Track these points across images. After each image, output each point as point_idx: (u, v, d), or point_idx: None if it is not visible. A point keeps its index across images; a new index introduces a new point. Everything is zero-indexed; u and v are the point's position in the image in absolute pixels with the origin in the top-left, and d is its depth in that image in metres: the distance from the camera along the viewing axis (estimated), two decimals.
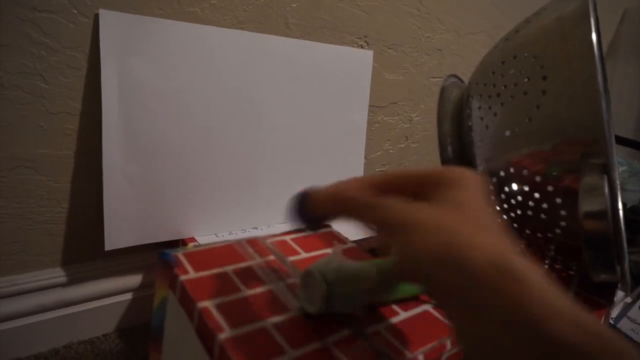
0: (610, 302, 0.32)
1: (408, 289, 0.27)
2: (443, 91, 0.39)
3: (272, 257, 0.28)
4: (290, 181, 0.60)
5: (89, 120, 0.44)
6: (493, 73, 0.33)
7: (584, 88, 0.27)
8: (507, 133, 0.31)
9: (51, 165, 0.44)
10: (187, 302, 0.23)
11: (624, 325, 0.62)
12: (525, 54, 0.31)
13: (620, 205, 0.42)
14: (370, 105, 0.69)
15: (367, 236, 0.57)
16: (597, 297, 0.33)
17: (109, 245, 0.46)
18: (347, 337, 0.23)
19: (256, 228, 0.58)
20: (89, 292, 0.50)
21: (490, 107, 0.33)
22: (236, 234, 0.56)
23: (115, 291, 0.52)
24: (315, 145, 0.62)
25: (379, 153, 0.74)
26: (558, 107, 0.28)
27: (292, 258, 0.29)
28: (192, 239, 0.52)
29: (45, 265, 0.47)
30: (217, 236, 0.54)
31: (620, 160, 1.03)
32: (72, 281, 0.49)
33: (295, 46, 0.56)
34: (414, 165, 0.82)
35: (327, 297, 0.23)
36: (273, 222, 0.59)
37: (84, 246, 0.48)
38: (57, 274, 0.48)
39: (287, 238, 0.31)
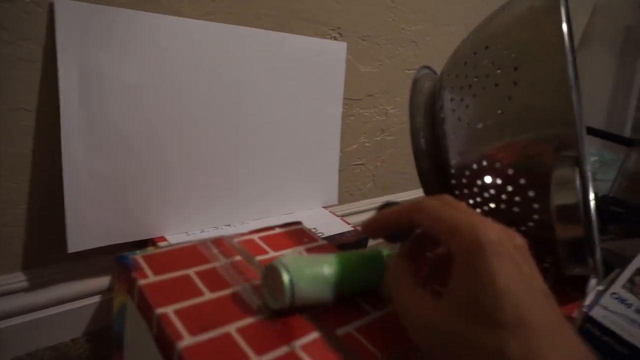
0: (582, 294, 0.32)
1: (373, 279, 0.26)
2: (415, 83, 0.38)
3: (238, 258, 0.27)
4: (264, 176, 0.59)
5: (47, 116, 0.42)
6: (465, 64, 0.33)
7: (555, 80, 0.26)
8: (479, 125, 0.31)
9: (7, 164, 0.42)
10: (145, 308, 0.22)
11: (597, 312, 0.63)
12: (497, 45, 0.30)
13: (592, 197, 0.42)
14: (345, 98, 0.68)
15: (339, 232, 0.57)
16: (570, 288, 0.33)
17: (72, 247, 0.44)
18: (315, 340, 0.22)
19: (229, 225, 0.56)
20: (54, 296, 0.48)
21: (462, 99, 0.32)
22: (208, 231, 0.54)
23: (82, 294, 0.50)
24: (289, 139, 0.60)
25: (354, 146, 0.74)
26: (529, 98, 0.28)
27: (259, 257, 0.28)
28: (162, 238, 0.50)
29: (5, 270, 0.45)
30: (188, 235, 0.52)
31: (591, 150, 1.05)
32: (35, 286, 0.46)
33: (267, 38, 0.55)
34: (390, 158, 0.81)
35: (290, 289, 0.22)
36: (247, 218, 0.58)
37: (47, 249, 0.46)
38: (19, 279, 0.45)
39: (255, 237, 0.30)
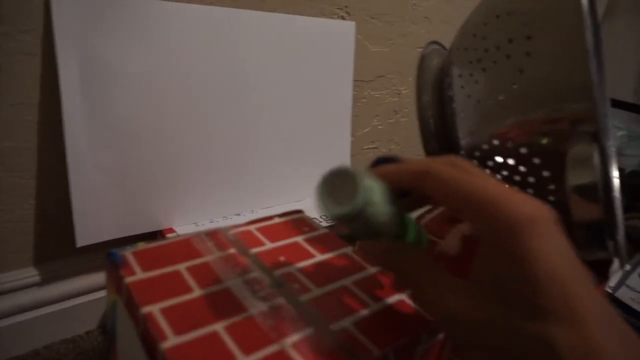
0: (605, 278, 0.29)
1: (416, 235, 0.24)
2: (423, 59, 0.35)
3: (233, 250, 0.26)
4: (273, 164, 0.57)
5: (50, 110, 0.42)
6: (474, 36, 0.30)
7: (572, 47, 0.24)
8: (490, 102, 0.28)
9: (13, 160, 0.41)
10: (132, 306, 0.21)
11: (623, 293, 0.60)
12: (509, 13, 0.28)
13: (616, 175, 0.39)
14: (355, 80, 0.65)
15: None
16: (591, 272, 0.30)
17: (80, 242, 0.44)
18: (308, 336, 0.21)
19: (239, 214, 0.55)
20: (67, 289, 0.48)
21: (471, 74, 0.30)
22: (218, 221, 0.53)
23: (96, 287, 0.50)
24: (298, 124, 0.59)
25: (367, 130, 0.71)
26: (543, 69, 0.25)
27: (255, 250, 0.27)
28: (171, 230, 0.50)
29: (17, 266, 0.45)
30: (197, 225, 0.52)
31: (619, 124, 1.00)
32: (47, 280, 0.47)
33: (271, 20, 0.53)
34: (403, 141, 0.79)
35: (363, 199, 0.19)
36: (257, 207, 0.57)
37: (57, 243, 0.46)
38: (31, 274, 0.46)
39: (252, 228, 0.29)
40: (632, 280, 0.62)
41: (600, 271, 0.31)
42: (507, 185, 0.18)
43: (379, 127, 0.73)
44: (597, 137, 0.23)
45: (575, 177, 0.23)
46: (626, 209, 1.13)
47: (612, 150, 0.42)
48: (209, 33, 0.48)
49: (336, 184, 0.20)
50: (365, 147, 0.73)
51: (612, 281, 0.64)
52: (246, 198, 0.56)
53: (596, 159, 0.22)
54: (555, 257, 0.17)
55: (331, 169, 0.21)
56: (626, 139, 1.02)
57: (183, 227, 0.51)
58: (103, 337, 0.50)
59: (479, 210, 0.18)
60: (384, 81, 0.70)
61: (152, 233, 0.50)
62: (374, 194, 0.20)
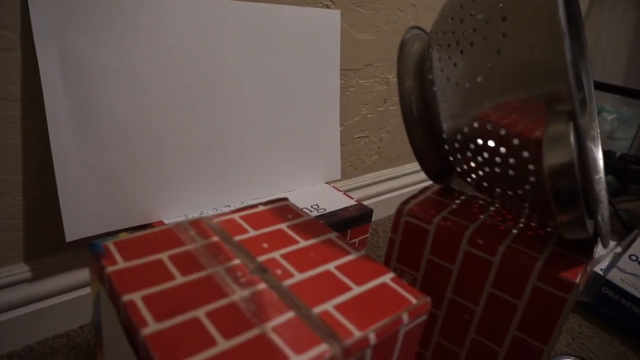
0: (588, 258, 0.30)
1: None
2: (403, 45, 0.35)
3: (215, 239, 0.26)
4: (262, 154, 0.57)
5: (33, 105, 0.41)
6: (452, 19, 0.30)
7: (545, 26, 0.24)
8: (468, 84, 0.28)
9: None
10: (114, 295, 0.21)
11: (614, 275, 0.60)
12: None
13: (600, 157, 0.40)
14: (342, 69, 0.65)
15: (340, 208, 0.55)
16: (575, 253, 0.31)
17: (70, 236, 0.44)
18: (290, 320, 0.21)
19: (229, 206, 0.55)
20: (59, 284, 0.48)
21: (450, 57, 0.30)
22: (208, 213, 0.53)
23: (88, 282, 0.50)
24: (286, 115, 0.59)
25: (356, 119, 0.71)
26: (519, 50, 0.26)
27: (238, 237, 0.27)
28: (161, 223, 0.50)
29: (8, 262, 0.45)
30: (187, 218, 0.52)
31: (608, 108, 1.01)
32: (39, 275, 0.47)
33: (254, 10, 0.53)
34: (394, 129, 0.79)
35: None
36: (247, 198, 0.57)
37: (48, 239, 0.46)
38: (22, 270, 0.46)
39: (236, 216, 0.29)
40: (623, 262, 0.63)
41: (585, 251, 0.31)
42: None
43: (369, 115, 0.73)
44: (572, 116, 0.23)
45: (551, 156, 0.23)
46: (618, 192, 1.13)
47: (596, 131, 0.42)
48: (192, 25, 0.48)
49: None
50: (355, 136, 0.73)
51: (604, 263, 0.65)
52: (236, 190, 0.56)
53: (572, 137, 0.23)
54: None
55: None
56: (616, 122, 1.02)
57: (173, 219, 0.51)
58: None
59: None
60: (372, 69, 0.70)
61: (143, 226, 0.50)
62: None
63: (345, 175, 0.75)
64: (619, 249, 0.67)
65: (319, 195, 0.61)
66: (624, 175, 0.94)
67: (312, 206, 0.57)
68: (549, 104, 0.24)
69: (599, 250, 0.73)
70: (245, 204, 0.57)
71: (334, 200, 0.59)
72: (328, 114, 0.64)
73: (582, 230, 0.25)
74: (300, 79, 0.59)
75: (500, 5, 0.26)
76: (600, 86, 1.02)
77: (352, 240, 0.57)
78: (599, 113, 1.03)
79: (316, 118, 0.62)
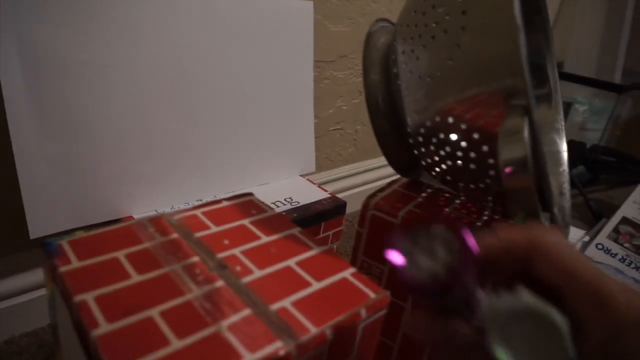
0: None
1: None
2: (369, 37, 0.35)
3: (175, 236, 0.26)
4: (235, 148, 0.57)
5: None
6: (415, 12, 0.30)
7: (501, 21, 0.24)
8: (429, 78, 0.29)
9: None
10: (66, 296, 0.21)
11: None
12: None
13: (563, 148, 0.41)
14: (316, 61, 0.65)
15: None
16: None
17: (34, 233, 0.43)
18: (246, 317, 0.21)
19: (201, 200, 0.55)
20: (25, 282, 0.47)
21: (412, 51, 0.30)
22: (179, 207, 0.53)
23: None
24: (259, 107, 0.58)
25: (331, 111, 0.71)
26: (478, 44, 0.26)
27: (199, 234, 0.26)
28: (130, 218, 0.49)
29: None
30: (157, 212, 0.51)
31: (581, 99, 1.02)
32: (4, 273, 0.46)
33: (223, 2, 0.52)
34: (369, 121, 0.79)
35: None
36: (220, 192, 0.57)
37: (11, 236, 0.45)
38: None
39: (198, 212, 0.29)
40: (590, 251, 0.65)
41: None
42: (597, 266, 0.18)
43: (344, 107, 0.73)
44: (527, 111, 0.23)
45: (506, 151, 0.23)
46: (589, 182, 1.16)
47: (561, 124, 0.43)
48: (160, 17, 0.47)
49: (509, 323, 0.17)
50: (331, 129, 0.73)
51: None
52: (208, 183, 0.56)
53: (526, 132, 0.23)
54: None
55: (504, 300, 0.17)
56: (588, 113, 1.04)
57: (143, 214, 0.50)
58: None
59: (594, 299, 0.17)
60: (347, 61, 0.70)
61: (112, 222, 0.49)
62: (571, 345, 0.17)
63: (321, 168, 0.74)
64: (587, 238, 0.69)
65: (292, 188, 0.60)
66: (594, 166, 0.96)
67: (285, 199, 0.57)
68: (507, 98, 0.25)
69: (570, 239, 0.75)
70: (217, 197, 0.56)
71: (308, 194, 0.59)
72: (302, 106, 0.63)
73: (537, 221, 0.25)
74: (272, 72, 0.58)
75: None
76: (573, 78, 1.04)
77: (326, 233, 0.57)
78: (571, 104, 1.05)
79: (290, 111, 0.62)
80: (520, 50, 0.23)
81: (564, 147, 0.41)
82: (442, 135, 0.29)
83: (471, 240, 0.17)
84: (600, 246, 0.64)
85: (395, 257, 0.18)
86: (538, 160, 0.24)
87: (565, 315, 0.17)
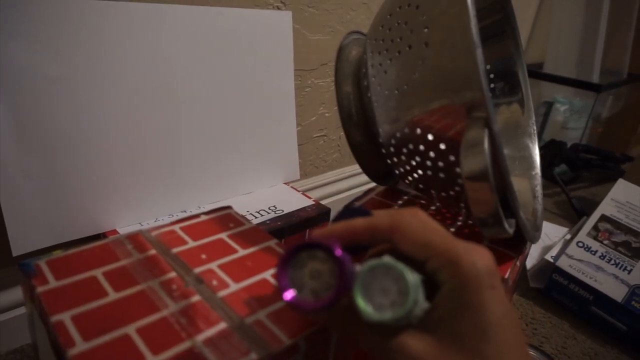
0: (519, 254, 0.32)
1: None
2: (341, 50, 0.36)
3: (153, 252, 0.26)
4: (218, 158, 0.57)
5: None
6: (382, 27, 0.31)
7: (460, 37, 0.25)
8: (396, 91, 0.30)
9: None
10: (44, 316, 0.21)
11: (563, 262, 0.63)
12: (409, 3, 0.29)
13: (535, 152, 0.42)
14: (297, 70, 0.66)
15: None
16: (507, 249, 0.32)
17: (16, 251, 0.43)
18: (221, 331, 0.21)
19: (185, 211, 0.55)
20: (10, 299, 0.48)
21: (380, 64, 0.31)
22: (163, 219, 0.53)
23: None
24: (241, 117, 0.59)
25: (314, 118, 0.72)
26: (440, 59, 0.27)
27: (177, 249, 0.27)
28: (115, 232, 0.50)
29: None
30: (142, 225, 0.52)
31: (561, 99, 1.04)
32: None
33: (202, 14, 0.52)
34: None
35: (415, 294, 0.19)
36: (204, 202, 0.57)
37: None
38: None
39: (177, 227, 0.29)
40: (571, 249, 0.66)
41: (516, 247, 0.33)
42: (465, 241, 0.20)
43: (326, 114, 0.74)
44: (487, 122, 0.24)
45: (468, 163, 0.24)
46: (571, 180, 1.17)
47: (533, 128, 0.44)
48: (139, 30, 0.47)
49: (370, 280, 0.20)
50: (314, 135, 0.74)
51: (554, 251, 0.68)
52: (192, 194, 0.56)
53: (486, 144, 0.24)
54: (501, 308, 0.19)
55: (368, 262, 0.20)
56: (568, 112, 1.06)
57: (127, 228, 0.51)
58: None
59: (447, 264, 0.20)
60: (328, 69, 0.71)
61: (95, 236, 0.49)
62: (419, 291, 0.19)
63: (306, 174, 0.75)
64: (568, 236, 0.70)
65: (276, 196, 0.61)
66: (576, 164, 0.98)
67: (269, 208, 0.58)
68: (468, 110, 0.26)
69: (552, 237, 0.76)
70: (201, 208, 0.57)
71: (292, 201, 0.60)
72: (284, 114, 0.64)
73: (500, 229, 0.26)
74: (254, 82, 0.59)
75: (423, 15, 0.28)
76: (553, 78, 1.06)
77: None
78: (552, 104, 1.07)
79: (272, 119, 0.63)
80: (478, 66, 0.24)
81: (536, 151, 0.42)
82: (411, 146, 0.30)
83: (339, 251, 0.20)
84: (580, 244, 0.65)
85: (284, 288, 0.20)
86: (501, 170, 0.25)
87: (427, 277, 0.20)
